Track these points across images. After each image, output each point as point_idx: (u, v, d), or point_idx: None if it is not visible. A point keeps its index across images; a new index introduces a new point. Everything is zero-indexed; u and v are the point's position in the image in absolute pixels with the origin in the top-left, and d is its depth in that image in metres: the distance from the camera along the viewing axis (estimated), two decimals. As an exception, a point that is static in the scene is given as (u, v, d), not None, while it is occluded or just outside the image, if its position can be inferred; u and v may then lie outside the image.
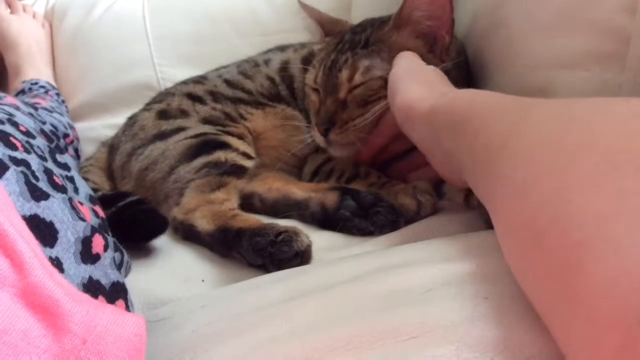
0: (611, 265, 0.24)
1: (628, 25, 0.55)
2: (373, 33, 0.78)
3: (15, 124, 0.50)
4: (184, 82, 1.06)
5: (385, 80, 0.70)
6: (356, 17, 1.04)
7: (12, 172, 0.38)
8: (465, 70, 0.81)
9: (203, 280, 0.60)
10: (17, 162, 0.41)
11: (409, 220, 0.64)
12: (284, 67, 1.02)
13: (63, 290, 0.29)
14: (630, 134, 0.28)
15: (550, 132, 0.33)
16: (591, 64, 0.59)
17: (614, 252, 0.24)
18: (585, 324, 0.24)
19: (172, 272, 0.63)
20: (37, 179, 0.41)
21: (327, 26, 0.88)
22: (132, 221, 0.66)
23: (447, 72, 0.69)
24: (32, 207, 0.37)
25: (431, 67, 0.66)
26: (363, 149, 0.76)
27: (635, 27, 0.54)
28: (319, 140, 0.78)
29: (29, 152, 0.45)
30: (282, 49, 1.09)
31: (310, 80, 0.84)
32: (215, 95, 0.96)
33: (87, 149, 1.12)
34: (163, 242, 0.71)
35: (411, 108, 0.57)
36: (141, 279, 0.58)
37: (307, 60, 0.99)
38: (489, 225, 0.53)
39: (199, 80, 1.04)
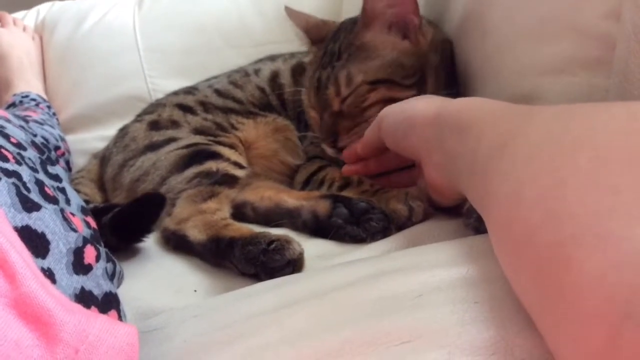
0: (600, 259, 0.24)
1: (613, 31, 0.56)
2: (345, 39, 0.79)
3: (6, 136, 0.50)
4: (175, 93, 1.06)
5: (370, 84, 0.74)
6: (347, 13, 1.05)
7: (4, 184, 0.38)
8: (452, 69, 0.82)
9: (195, 290, 0.60)
10: (9, 173, 0.41)
11: (401, 227, 0.65)
12: (274, 77, 1.03)
13: (55, 300, 0.30)
14: (627, 133, 0.28)
15: (550, 131, 0.33)
16: (578, 70, 0.60)
17: (604, 247, 0.24)
18: (572, 319, 0.25)
19: (164, 282, 0.63)
20: (28, 190, 0.42)
21: (313, 32, 0.88)
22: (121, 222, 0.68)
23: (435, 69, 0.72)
24: (23, 218, 0.37)
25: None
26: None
27: (620, 33, 0.55)
28: (332, 153, 0.80)
29: (20, 164, 0.45)
30: (272, 58, 1.10)
31: (305, 101, 0.86)
32: (206, 106, 0.97)
33: (79, 161, 1.12)
34: (155, 252, 0.71)
35: (411, 115, 0.57)
36: (133, 289, 0.58)
37: (296, 70, 1.00)
38: (477, 232, 0.54)
39: (190, 90, 1.04)
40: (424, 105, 0.56)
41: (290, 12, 0.91)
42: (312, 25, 0.89)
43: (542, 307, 0.28)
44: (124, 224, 0.68)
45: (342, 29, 0.83)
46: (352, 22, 0.82)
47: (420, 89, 0.75)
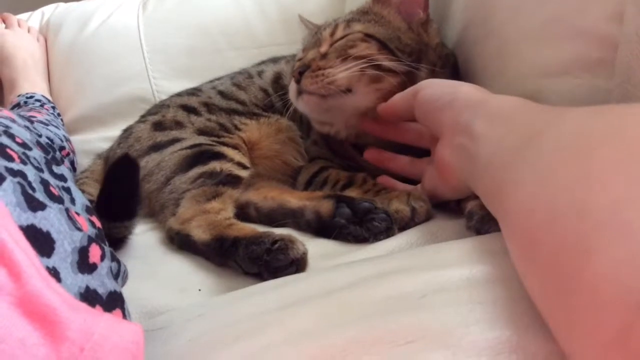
0: (620, 248, 0.24)
1: (615, 33, 0.56)
2: (354, 10, 0.85)
3: (11, 136, 0.50)
4: (179, 94, 1.07)
5: (365, 35, 0.76)
6: None
7: (9, 183, 0.38)
8: (454, 77, 0.82)
9: (199, 290, 0.60)
10: (14, 173, 0.41)
11: (403, 227, 0.65)
12: (277, 79, 1.03)
13: (60, 298, 0.30)
14: None
15: (580, 125, 0.34)
16: (581, 71, 0.60)
17: (624, 236, 0.24)
18: (587, 308, 0.25)
19: (169, 281, 0.63)
20: (33, 189, 0.42)
21: None
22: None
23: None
24: (29, 217, 0.37)
25: None
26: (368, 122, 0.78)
27: (623, 35, 0.55)
28: (292, 91, 0.80)
29: (25, 164, 0.45)
30: (274, 60, 1.10)
31: (299, 52, 0.87)
32: (209, 107, 0.97)
33: (83, 162, 1.13)
34: (159, 251, 0.72)
35: (457, 90, 0.59)
36: (138, 288, 0.58)
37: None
38: (479, 233, 0.54)
39: (194, 92, 1.05)
40: (471, 89, 0.58)
41: (303, 20, 0.98)
42: None
43: (554, 297, 0.29)
44: (110, 202, 0.69)
45: None
46: None
47: (411, 72, 0.75)
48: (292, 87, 0.80)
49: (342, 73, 0.73)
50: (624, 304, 0.23)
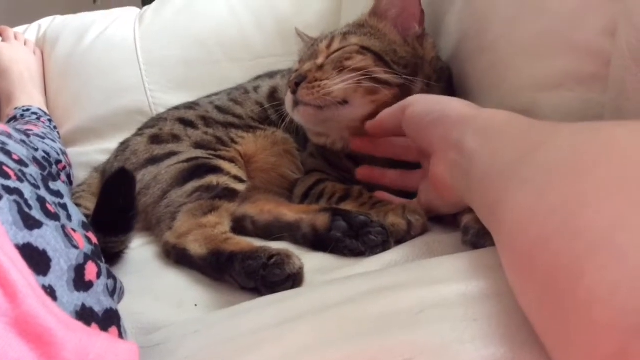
0: (614, 271, 0.24)
1: (608, 47, 0.56)
2: (350, 23, 0.86)
3: (8, 153, 0.50)
4: (176, 108, 1.07)
5: (361, 47, 0.77)
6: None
7: (5, 201, 0.38)
8: (449, 90, 0.83)
9: (196, 305, 0.60)
10: (10, 191, 0.41)
11: (400, 240, 0.65)
12: (273, 93, 1.04)
13: (56, 318, 0.30)
14: None
15: (572, 145, 0.34)
16: (574, 85, 0.60)
17: (618, 260, 0.24)
18: (582, 329, 0.25)
19: (165, 297, 0.63)
20: (30, 207, 0.42)
21: None
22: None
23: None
24: (25, 236, 0.37)
25: None
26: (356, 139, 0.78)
27: (615, 49, 0.55)
28: (288, 102, 0.81)
29: (22, 181, 0.45)
30: (270, 75, 1.11)
31: (295, 63, 0.88)
32: (206, 120, 0.97)
33: (80, 175, 1.12)
34: (156, 266, 0.71)
35: (446, 106, 0.58)
36: (134, 304, 0.58)
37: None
38: (475, 247, 0.54)
39: (191, 106, 1.05)
40: (460, 104, 0.58)
41: (299, 32, 0.99)
42: None
43: (550, 317, 0.29)
44: (106, 216, 0.69)
45: None
46: None
47: (406, 84, 0.76)
48: (289, 98, 0.80)
49: (338, 85, 0.74)
50: (619, 327, 0.23)
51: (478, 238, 0.55)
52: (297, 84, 0.77)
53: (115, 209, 0.70)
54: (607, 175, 0.29)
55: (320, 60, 0.79)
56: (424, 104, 0.62)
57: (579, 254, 0.27)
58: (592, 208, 0.28)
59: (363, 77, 0.73)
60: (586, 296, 0.25)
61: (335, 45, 0.80)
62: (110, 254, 0.71)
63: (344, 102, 0.75)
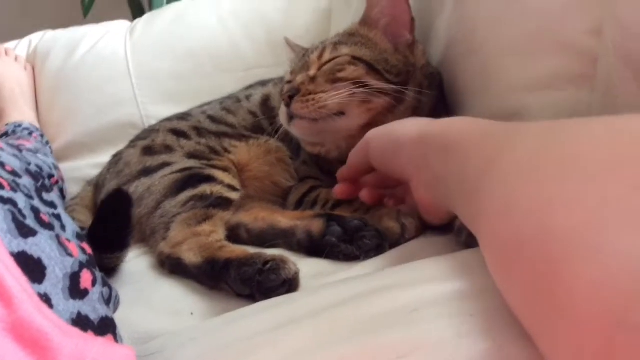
0: (593, 270, 0.24)
1: (595, 47, 0.57)
2: (340, 33, 0.86)
3: (1, 164, 0.50)
4: (168, 119, 1.07)
5: (353, 58, 0.77)
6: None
7: (0, 210, 0.38)
8: (439, 95, 0.83)
9: (192, 313, 0.60)
10: (4, 200, 0.41)
11: (394, 244, 0.65)
12: (265, 101, 1.04)
13: (52, 324, 0.30)
14: (609, 146, 0.29)
15: (536, 148, 0.34)
16: (563, 85, 0.61)
17: (597, 258, 0.24)
18: (566, 328, 0.25)
19: (161, 306, 0.63)
20: (24, 216, 0.42)
21: None
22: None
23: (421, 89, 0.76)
24: (20, 244, 0.37)
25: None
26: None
27: (602, 48, 0.56)
28: (282, 115, 0.81)
29: (15, 191, 0.45)
30: (262, 83, 1.11)
31: (287, 74, 0.88)
32: (199, 131, 0.97)
33: (73, 189, 1.12)
34: (151, 276, 0.71)
35: (398, 136, 0.57)
36: (130, 314, 0.58)
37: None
38: (468, 248, 0.55)
39: (183, 116, 1.05)
40: (410, 126, 0.56)
41: (289, 42, 0.99)
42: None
43: (535, 318, 0.29)
44: (103, 234, 0.69)
45: None
46: None
47: (399, 91, 0.76)
48: (283, 111, 0.80)
49: (333, 98, 0.74)
50: (603, 323, 0.23)
51: (472, 239, 0.54)
52: (291, 97, 0.77)
53: (111, 228, 0.70)
54: (575, 174, 0.29)
55: (312, 72, 0.79)
56: (380, 138, 0.62)
57: (555, 255, 0.27)
58: (563, 209, 0.28)
59: (357, 88, 0.74)
60: (566, 296, 0.25)
61: (327, 56, 0.80)
62: (106, 268, 0.71)
63: (340, 113, 0.76)
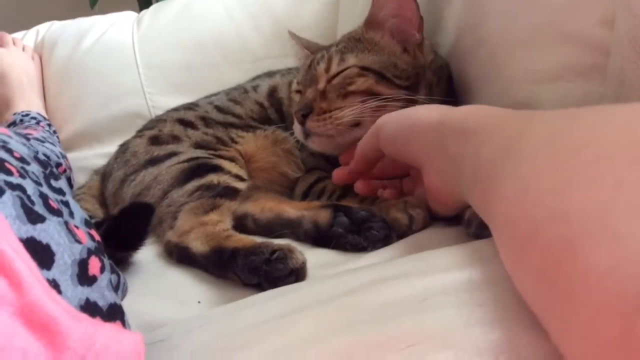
0: (609, 253, 0.24)
1: (606, 38, 0.56)
2: (345, 36, 0.85)
3: (9, 151, 0.50)
4: (175, 109, 1.07)
5: (361, 68, 0.76)
6: (343, 28, 1.08)
7: (8, 196, 0.38)
8: (448, 85, 0.83)
9: (199, 302, 0.60)
10: (13, 186, 0.41)
11: (402, 235, 0.65)
12: (272, 92, 1.04)
13: (61, 308, 0.30)
14: (630, 130, 0.28)
15: (554, 132, 0.34)
16: (574, 76, 0.60)
17: (612, 241, 0.24)
18: (582, 313, 0.25)
19: (168, 294, 0.63)
20: (33, 203, 0.42)
21: (313, 48, 0.93)
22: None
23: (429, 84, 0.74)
24: (28, 230, 0.37)
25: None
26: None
27: (614, 39, 0.55)
28: (298, 131, 0.80)
29: (24, 177, 0.45)
30: (269, 75, 1.11)
31: (294, 84, 0.87)
32: (206, 121, 0.97)
33: (80, 178, 1.13)
34: (158, 265, 0.71)
35: (414, 121, 0.57)
36: (138, 302, 0.58)
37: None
38: (478, 238, 0.54)
39: (190, 106, 1.05)
40: (427, 112, 0.56)
41: (293, 35, 0.98)
42: (313, 46, 0.94)
43: (548, 303, 0.29)
44: (116, 235, 0.68)
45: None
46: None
47: (410, 95, 0.76)
48: (297, 129, 0.80)
49: (348, 115, 0.74)
50: (621, 307, 0.23)
51: (482, 229, 0.55)
52: (305, 116, 0.77)
53: (130, 231, 0.71)
54: (593, 157, 0.28)
55: (321, 86, 0.79)
56: (394, 122, 0.61)
57: (571, 238, 0.26)
58: (580, 191, 0.27)
59: (369, 99, 0.74)
60: (582, 280, 0.25)
61: (334, 68, 0.79)
62: (115, 260, 0.71)
63: (356, 124, 0.76)
